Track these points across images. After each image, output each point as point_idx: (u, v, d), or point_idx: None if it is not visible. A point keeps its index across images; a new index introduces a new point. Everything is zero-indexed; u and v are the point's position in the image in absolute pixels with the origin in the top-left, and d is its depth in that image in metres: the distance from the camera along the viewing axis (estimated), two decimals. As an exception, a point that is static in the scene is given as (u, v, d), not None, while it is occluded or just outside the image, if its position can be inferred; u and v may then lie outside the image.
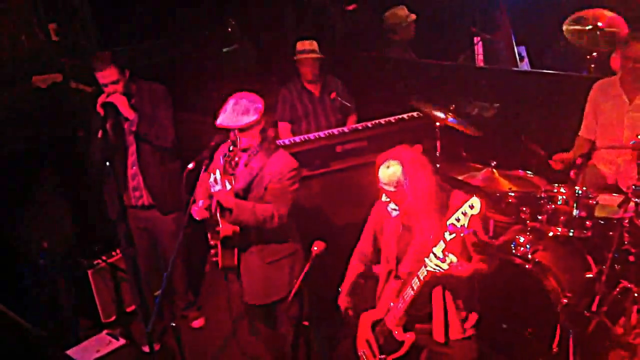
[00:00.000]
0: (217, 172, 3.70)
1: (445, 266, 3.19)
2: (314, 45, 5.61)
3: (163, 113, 4.64)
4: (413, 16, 6.68)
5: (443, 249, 3.17)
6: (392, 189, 3.41)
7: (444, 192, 3.43)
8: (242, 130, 3.74)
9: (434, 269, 3.21)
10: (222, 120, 3.75)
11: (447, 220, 3.12)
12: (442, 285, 3.46)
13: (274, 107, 5.85)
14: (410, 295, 3.42)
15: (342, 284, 3.88)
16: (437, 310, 3.50)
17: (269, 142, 3.89)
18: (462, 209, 3.07)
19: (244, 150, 3.84)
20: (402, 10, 6.71)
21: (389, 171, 3.39)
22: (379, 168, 3.46)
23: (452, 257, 3.19)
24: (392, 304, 3.57)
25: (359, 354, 3.76)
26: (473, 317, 3.60)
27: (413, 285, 3.38)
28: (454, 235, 3.11)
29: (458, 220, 3.07)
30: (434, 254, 3.19)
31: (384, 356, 3.60)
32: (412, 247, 3.52)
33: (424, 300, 3.50)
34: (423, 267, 3.27)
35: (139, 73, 4.72)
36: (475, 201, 3.04)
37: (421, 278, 3.31)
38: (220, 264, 3.94)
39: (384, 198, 3.50)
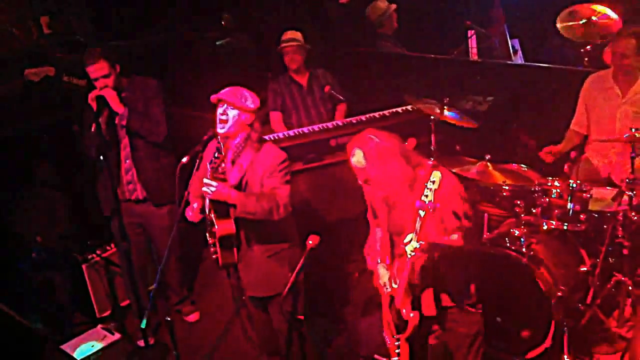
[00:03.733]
0: (208, 175, 3.70)
1: (417, 245, 3.27)
2: (297, 35, 5.62)
3: (155, 108, 4.63)
4: (393, 6, 6.68)
5: (420, 226, 3.23)
6: (362, 175, 3.49)
7: (410, 166, 3.49)
8: (235, 107, 3.73)
9: (414, 248, 3.28)
10: (221, 93, 3.74)
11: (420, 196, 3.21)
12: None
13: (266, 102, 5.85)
14: (405, 274, 3.45)
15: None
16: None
17: (253, 139, 3.87)
18: (427, 185, 3.16)
19: (229, 137, 3.83)
20: (382, 2, 6.70)
21: (354, 160, 3.48)
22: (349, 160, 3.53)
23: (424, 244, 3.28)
24: (397, 283, 3.59)
25: (384, 335, 3.80)
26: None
27: (405, 263, 3.42)
28: (424, 211, 3.19)
29: (426, 196, 3.16)
30: (409, 237, 3.27)
31: (398, 336, 3.61)
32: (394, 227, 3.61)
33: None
34: (408, 246, 3.32)
35: (132, 67, 4.70)
36: (435, 175, 3.14)
37: (408, 256, 3.35)
38: (221, 262, 3.94)
39: (361, 182, 3.57)
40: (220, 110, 3.75)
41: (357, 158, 3.45)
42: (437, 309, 3.58)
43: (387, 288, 3.66)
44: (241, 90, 3.79)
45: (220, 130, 3.76)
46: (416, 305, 3.54)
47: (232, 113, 3.74)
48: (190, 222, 4.05)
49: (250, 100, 3.77)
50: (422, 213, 3.20)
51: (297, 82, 5.67)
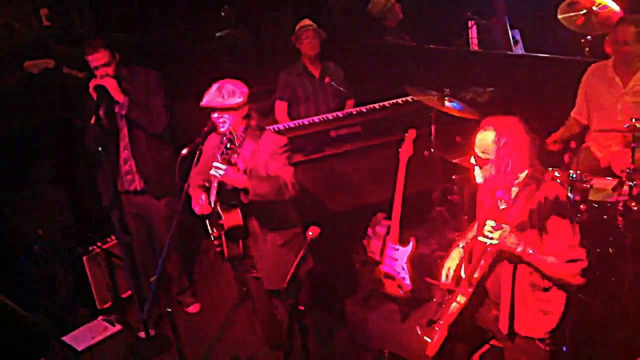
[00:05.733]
0: (218, 161, 3.71)
1: (495, 236, 3.07)
2: (313, 23, 5.61)
3: (155, 98, 4.62)
4: None
5: (497, 219, 3.06)
6: (479, 153, 3.25)
7: (534, 181, 3.20)
8: (225, 110, 3.74)
9: (486, 239, 3.11)
10: (208, 100, 3.74)
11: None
12: (512, 269, 3.26)
13: (269, 93, 5.84)
14: (471, 268, 3.32)
15: None
16: (504, 296, 3.31)
17: (253, 128, 3.89)
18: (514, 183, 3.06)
19: (232, 135, 3.83)
20: None
21: (481, 135, 3.24)
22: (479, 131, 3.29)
23: (504, 228, 3.06)
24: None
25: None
26: (552, 320, 3.32)
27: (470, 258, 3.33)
28: (504, 205, 3.05)
29: (512, 192, 3.05)
30: (488, 222, 3.09)
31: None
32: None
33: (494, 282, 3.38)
34: (486, 227, 3.13)
35: (132, 59, 4.70)
36: (523, 172, 3.06)
37: (483, 240, 3.15)
38: (227, 254, 3.94)
39: (471, 160, 3.32)
40: (215, 115, 3.78)
41: (485, 136, 3.20)
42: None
43: (448, 274, 3.52)
44: (225, 86, 3.77)
45: (222, 129, 3.80)
46: (474, 305, 3.38)
47: (226, 114, 3.77)
48: (190, 213, 4.06)
49: (238, 94, 3.76)
50: (501, 206, 3.08)
51: (310, 73, 5.65)
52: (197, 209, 4.00)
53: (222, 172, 3.67)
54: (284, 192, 3.75)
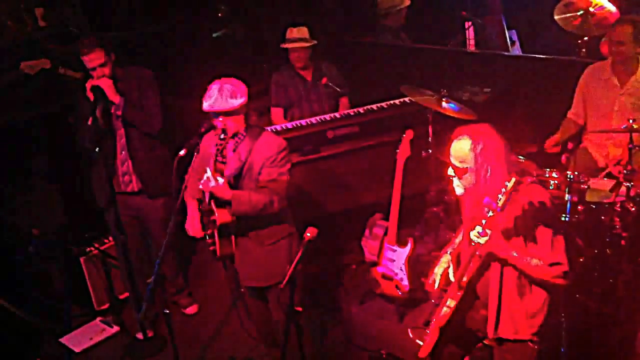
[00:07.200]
0: (208, 170, 3.68)
1: (482, 240, 3.10)
2: (303, 32, 5.51)
3: (150, 98, 4.61)
4: (407, 1, 6.64)
5: (484, 225, 3.08)
6: (457, 163, 3.25)
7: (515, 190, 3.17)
8: (230, 114, 3.72)
9: (474, 242, 3.13)
10: (211, 104, 3.70)
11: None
12: (500, 272, 3.27)
13: (265, 93, 5.82)
14: (462, 266, 3.33)
15: None
16: (492, 298, 3.31)
17: (252, 127, 3.87)
18: (502, 190, 3.02)
19: (232, 137, 3.82)
20: None
21: (457, 145, 3.23)
22: (452, 141, 3.28)
23: (490, 236, 3.09)
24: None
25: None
26: (538, 321, 3.33)
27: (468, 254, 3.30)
28: (491, 213, 3.03)
29: (499, 199, 3.02)
30: (476, 228, 3.11)
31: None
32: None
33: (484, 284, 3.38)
34: (472, 232, 3.15)
35: (128, 58, 4.68)
36: (510, 181, 3.00)
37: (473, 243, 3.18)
38: (219, 252, 3.92)
39: (449, 172, 3.32)
40: (220, 119, 3.74)
41: (461, 145, 3.20)
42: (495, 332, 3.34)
43: (435, 279, 3.54)
44: (225, 87, 3.72)
45: (225, 131, 3.77)
46: (464, 307, 3.39)
47: (229, 117, 3.74)
48: (186, 214, 4.05)
49: (239, 94, 3.72)
50: (488, 214, 3.06)
51: (302, 76, 5.63)
52: (190, 231, 4.01)
53: (213, 184, 3.66)
54: (267, 210, 3.73)
